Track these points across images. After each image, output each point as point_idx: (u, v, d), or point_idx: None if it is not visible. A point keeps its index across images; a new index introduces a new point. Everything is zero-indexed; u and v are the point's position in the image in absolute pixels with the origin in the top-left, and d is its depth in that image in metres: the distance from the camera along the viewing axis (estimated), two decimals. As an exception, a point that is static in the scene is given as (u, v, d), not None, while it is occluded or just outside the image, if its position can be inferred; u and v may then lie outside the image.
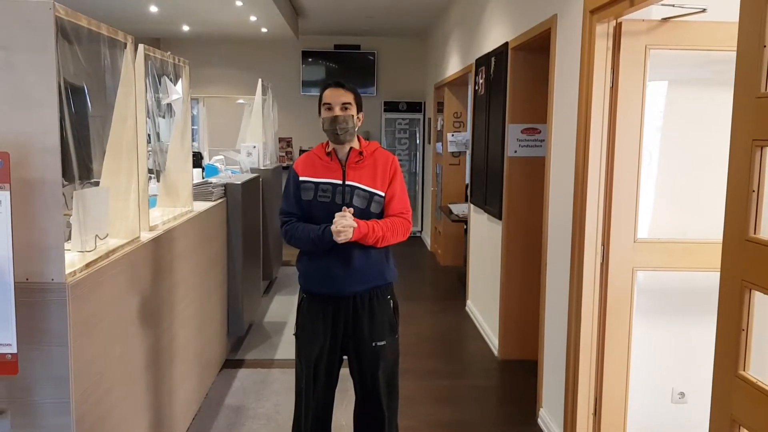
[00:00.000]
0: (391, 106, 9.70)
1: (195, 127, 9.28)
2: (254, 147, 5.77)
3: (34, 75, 1.90)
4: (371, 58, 9.81)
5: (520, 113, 4.47)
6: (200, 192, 4.05)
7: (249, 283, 4.67)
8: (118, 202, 2.63)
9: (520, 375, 4.24)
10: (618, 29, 2.85)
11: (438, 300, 6.26)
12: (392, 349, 2.75)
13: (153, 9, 6.78)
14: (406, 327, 5.27)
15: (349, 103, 2.61)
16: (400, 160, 9.84)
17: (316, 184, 2.63)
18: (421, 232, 9.82)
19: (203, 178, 5.14)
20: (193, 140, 10.07)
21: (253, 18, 7.06)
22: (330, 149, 2.67)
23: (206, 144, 7.62)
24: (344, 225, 2.47)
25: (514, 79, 4.44)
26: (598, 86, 2.93)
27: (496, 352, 4.67)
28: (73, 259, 2.15)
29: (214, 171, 5.28)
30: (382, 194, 2.64)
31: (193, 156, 5.25)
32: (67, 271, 2.01)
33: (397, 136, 9.81)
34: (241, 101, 7.54)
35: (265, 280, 5.89)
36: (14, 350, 1.73)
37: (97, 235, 2.41)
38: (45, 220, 1.93)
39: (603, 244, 2.98)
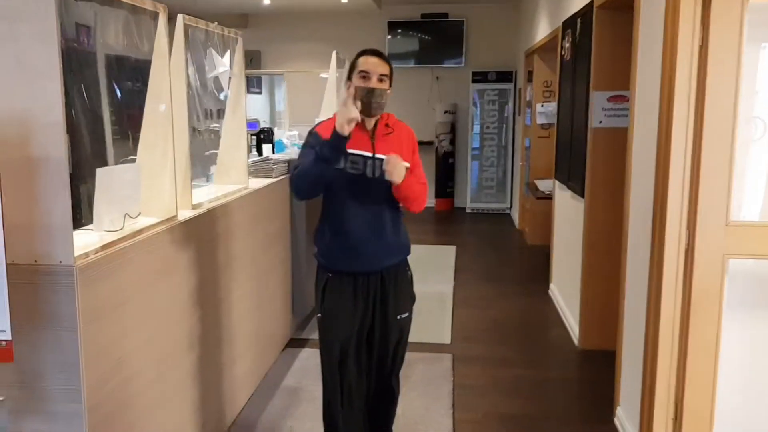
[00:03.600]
0: (480, 77, 9.30)
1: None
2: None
3: (35, 46, 1.79)
4: (460, 26, 9.43)
5: (606, 79, 4.06)
6: (260, 169, 3.94)
7: (315, 261, 4.53)
8: (153, 180, 2.53)
9: (599, 367, 3.89)
10: (709, -23, 2.44)
11: (520, 282, 5.93)
12: (410, 319, 2.76)
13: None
14: (481, 311, 5.01)
15: (386, 75, 2.50)
16: (488, 133, 9.49)
17: (345, 153, 2.48)
18: (510, 209, 9.43)
19: (273, 153, 5.05)
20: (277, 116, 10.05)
21: (331, -12, 6.88)
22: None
23: (288, 120, 7.56)
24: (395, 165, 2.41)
25: (600, 41, 4.03)
26: (684, 46, 2.54)
27: (576, 341, 4.33)
28: (92, 240, 2.05)
29: (280, 147, 5.18)
30: (408, 165, 2.53)
31: (264, 132, 5.17)
32: (80, 252, 1.91)
33: (485, 108, 9.41)
34: (324, 75, 7.41)
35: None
36: (8, 337, 1.64)
37: (127, 214, 2.31)
38: (50, 200, 1.83)
39: (688, 228, 2.61)
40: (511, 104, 9.31)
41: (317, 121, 5.62)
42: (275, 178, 3.98)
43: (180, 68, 2.72)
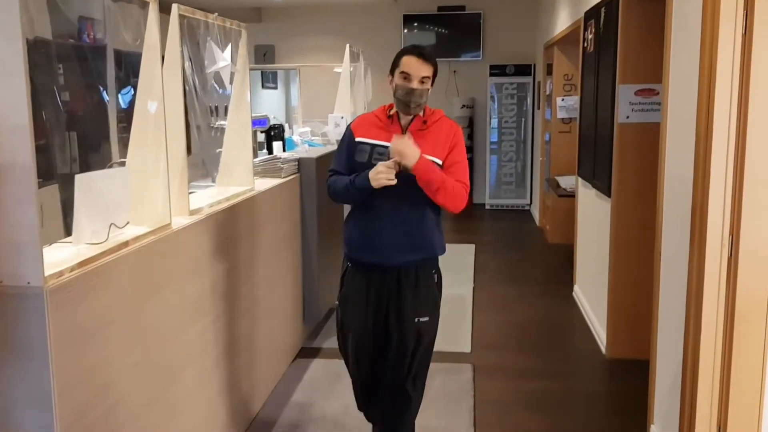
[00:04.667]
0: (498, 70, 9.02)
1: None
2: (342, 118, 5.39)
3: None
4: (477, 19, 9.16)
5: (634, 72, 3.81)
6: (268, 169, 3.73)
7: (328, 264, 4.33)
8: (144, 184, 2.33)
9: (630, 379, 3.64)
10: (755, -46, 2.19)
11: (542, 283, 5.68)
12: (433, 325, 2.63)
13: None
14: (502, 315, 4.78)
15: (427, 77, 2.46)
16: (506, 128, 9.22)
17: (373, 146, 2.53)
18: (529, 205, 9.16)
19: (284, 151, 4.85)
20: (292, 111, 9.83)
21: (343, -21, 6.64)
22: (393, 112, 2.56)
23: (301, 115, 7.36)
24: (403, 148, 2.35)
25: (626, 31, 3.77)
26: (725, 33, 2.29)
27: (603, 349, 4.07)
28: (69, 256, 1.85)
29: (291, 145, 4.97)
30: (440, 162, 2.49)
31: (275, 129, 4.97)
32: (52, 271, 1.71)
33: (503, 102, 9.13)
34: (338, 70, 7.20)
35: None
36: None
37: (113, 224, 2.11)
38: (16, 212, 1.63)
39: (731, 233, 2.36)
40: (530, 98, 9.03)
41: (331, 117, 5.44)
42: (284, 178, 3.77)
43: (175, 62, 2.53)
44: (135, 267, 2.09)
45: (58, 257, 1.83)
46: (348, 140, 2.59)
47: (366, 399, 2.73)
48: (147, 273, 2.17)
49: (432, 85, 2.51)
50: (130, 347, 2.06)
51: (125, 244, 2.06)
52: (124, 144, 2.42)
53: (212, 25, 2.84)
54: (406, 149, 2.36)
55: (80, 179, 1.94)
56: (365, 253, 2.56)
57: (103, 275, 1.91)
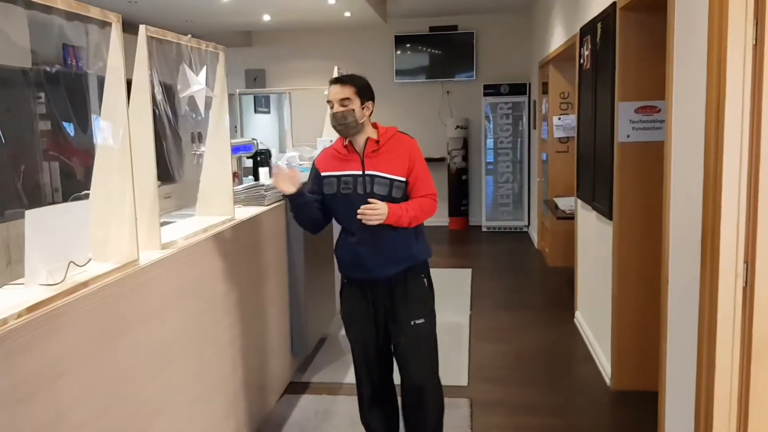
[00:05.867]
0: (492, 90, 8.89)
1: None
2: (331, 141, 5.22)
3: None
4: (470, 39, 9.05)
5: (634, 88, 3.65)
6: (250, 196, 3.55)
7: (317, 294, 4.14)
8: (109, 218, 2.15)
9: (636, 412, 3.43)
10: (765, -40, 2.03)
11: (542, 308, 5.48)
12: (430, 326, 2.76)
13: (226, -1, 6.38)
14: (501, 345, 4.58)
15: (348, 99, 2.61)
16: (502, 148, 9.07)
17: (338, 177, 2.68)
18: (527, 226, 8.98)
19: (270, 177, 4.67)
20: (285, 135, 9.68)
21: (331, 1, 6.52)
22: (347, 142, 2.70)
23: (291, 140, 7.21)
24: (373, 211, 2.53)
25: (625, 46, 3.62)
26: (734, 45, 2.13)
27: (608, 381, 3.87)
28: (17, 301, 1.66)
29: (277, 170, 4.79)
30: (402, 179, 2.65)
31: (261, 154, 4.80)
32: (-5, 318, 1.52)
33: (498, 122, 8.99)
34: (327, 92, 7.08)
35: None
36: None
37: (72, 262, 1.92)
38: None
39: (746, 261, 2.18)
40: (525, 117, 8.89)
41: (320, 141, 5.27)
42: (268, 206, 3.59)
43: (143, 87, 2.36)
44: (95, 309, 1.90)
45: (5, 302, 1.64)
46: (315, 176, 2.76)
47: (369, 408, 2.87)
48: (110, 315, 1.98)
49: (364, 103, 2.63)
50: (88, 400, 1.86)
51: (84, 284, 1.87)
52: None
53: (186, 48, 2.67)
54: (374, 214, 2.52)
55: (30, 215, 1.76)
56: (355, 271, 2.74)
57: (57, 320, 1.71)
